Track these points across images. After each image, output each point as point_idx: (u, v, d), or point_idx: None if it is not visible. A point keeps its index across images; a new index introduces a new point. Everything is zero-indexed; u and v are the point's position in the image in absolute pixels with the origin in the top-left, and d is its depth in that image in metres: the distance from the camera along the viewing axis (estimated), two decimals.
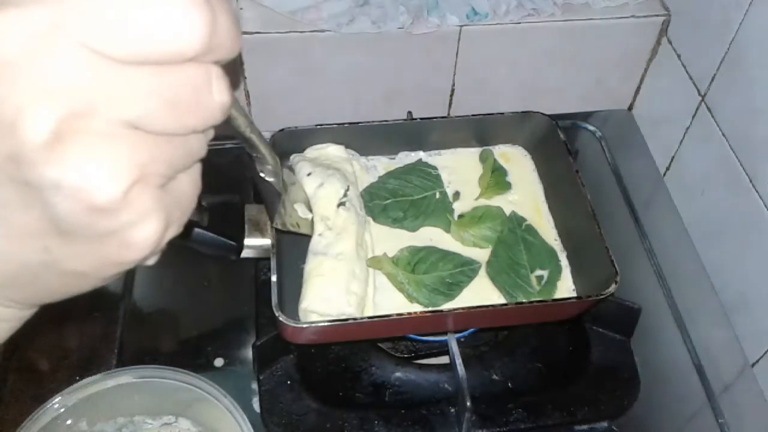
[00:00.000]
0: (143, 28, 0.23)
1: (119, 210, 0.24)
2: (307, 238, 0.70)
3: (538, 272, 0.74)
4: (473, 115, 0.83)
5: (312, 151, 0.79)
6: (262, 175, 0.57)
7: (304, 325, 0.64)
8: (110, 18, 0.23)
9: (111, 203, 0.24)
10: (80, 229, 0.25)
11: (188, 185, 0.28)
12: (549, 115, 0.83)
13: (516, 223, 0.77)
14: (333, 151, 0.79)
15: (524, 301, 0.71)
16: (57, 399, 0.63)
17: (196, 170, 0.29)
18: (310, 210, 0.71)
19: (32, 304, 0.31)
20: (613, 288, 0.67)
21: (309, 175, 0.72)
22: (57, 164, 0.23)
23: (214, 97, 0.26)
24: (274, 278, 0.66)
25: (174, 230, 0.28)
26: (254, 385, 0.73)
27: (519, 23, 0.89)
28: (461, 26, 0.88)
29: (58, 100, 0.23)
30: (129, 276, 0.81)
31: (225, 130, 0.34)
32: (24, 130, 0.23)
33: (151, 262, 0.28)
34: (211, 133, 0.28)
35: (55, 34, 0.22)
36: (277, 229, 0.67)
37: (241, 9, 0.88)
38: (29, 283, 0.28)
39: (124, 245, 0.26)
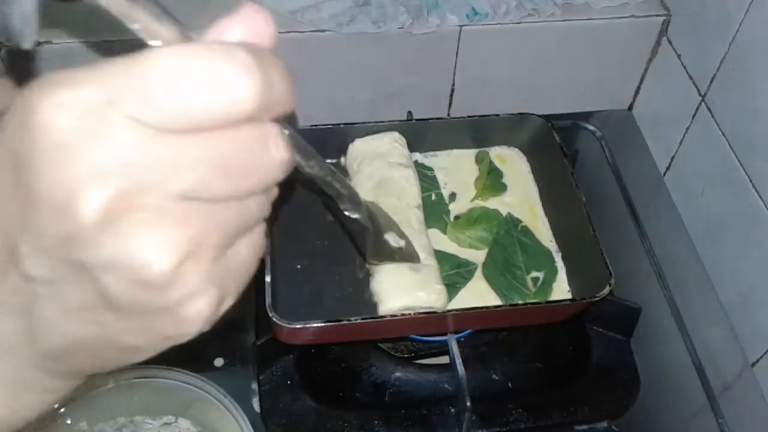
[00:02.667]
0: (192, 97, 0.22)
1: (170, 286, 0.24)
2: (301, 237, 0.70)
3: (534, 274, 0.74)
4: (469, 117, 0.83)
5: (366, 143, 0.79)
6: (346, 213, 0.56)
7: (299, 326, 0.63)
8: (159, 90, 0.22)
9: (161, 280, 0.24)
10: (132, 306, 0.25)
11: (247, 250, 0.27)
12: (549, 115, 0.83)
13: (512, 225, 0.77)
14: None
15: (519, 302, 0.71)
16: None
17: (257, 234, 0.27)
18: (402, 237, 0.67)
19: (83, 375, 0.30)
20: (607, 290, 0.67)
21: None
22: (108, 244, 0.23)
23: (272, 155, 0.25)
24: (268, 278, 0.66)
25: (230, 300, 0.27)
26: (254, 385, 0.73)
27: (519, 23, 0.89)
28: (461, 26, 0.88)
29: (110, 179, 0.22)
30: None
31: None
32: (76, 213, 0.22)
33: (205, 329, 0.28)
34: (274, 192, 0.27)
35: (106, 112, 0.22)
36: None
37: None
38: (83, 356, 0.28)
39: (178, 320, 0.26)
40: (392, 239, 0.65)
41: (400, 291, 0.67)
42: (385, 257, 0.65)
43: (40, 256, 0.24)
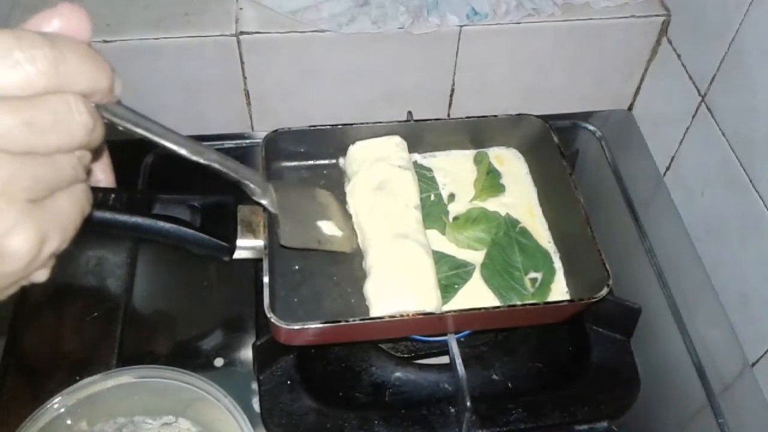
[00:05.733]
0: None
1: None
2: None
3: (532, 274, 0.74)
4: (468, 118, 0.83)
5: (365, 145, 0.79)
6: (255, 198, 0.58)
7: (297, 327, 0.63)
8: None
9: None
10: None
11: (68, 204, 0.32)
12: (548, 116, 0.83)
13: (510, 226, 0.77)
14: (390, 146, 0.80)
15: (517, 303, 0.71)
16: (57, 399, 0.63)
17: (78, 191, 0.33)
18: (343, 228, 0.72)
19: None
20: (605, 291, 0.67)
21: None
22: None
23: (75, 117, 0.30)
24: (266, 279, 0.66)
25: (55, 244, 0.32)
26: (254, 385, 0.73)
27: (519, 23, 0.89)
28: (461, 26, 0.89)
29: None
30: (129, 276, 0.81)
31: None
32: None
33: (41, 278, 0.32)
34: (87, 158, 0.33)
35: None
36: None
37: (241, 9, 0.88)
38: None
39: (1, 255, 0.29)
40: (326, 227, 0.70)
41: (390, 296, 0.67)
42: (308, 243, 0.68)
43: None
